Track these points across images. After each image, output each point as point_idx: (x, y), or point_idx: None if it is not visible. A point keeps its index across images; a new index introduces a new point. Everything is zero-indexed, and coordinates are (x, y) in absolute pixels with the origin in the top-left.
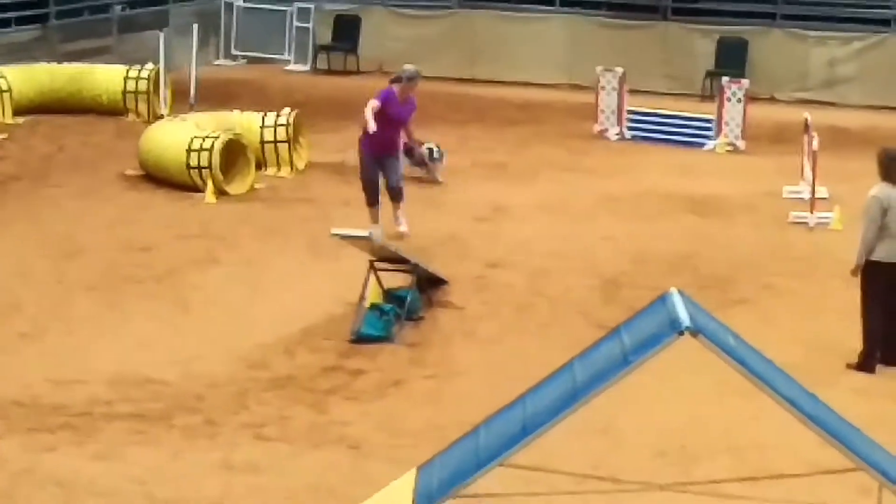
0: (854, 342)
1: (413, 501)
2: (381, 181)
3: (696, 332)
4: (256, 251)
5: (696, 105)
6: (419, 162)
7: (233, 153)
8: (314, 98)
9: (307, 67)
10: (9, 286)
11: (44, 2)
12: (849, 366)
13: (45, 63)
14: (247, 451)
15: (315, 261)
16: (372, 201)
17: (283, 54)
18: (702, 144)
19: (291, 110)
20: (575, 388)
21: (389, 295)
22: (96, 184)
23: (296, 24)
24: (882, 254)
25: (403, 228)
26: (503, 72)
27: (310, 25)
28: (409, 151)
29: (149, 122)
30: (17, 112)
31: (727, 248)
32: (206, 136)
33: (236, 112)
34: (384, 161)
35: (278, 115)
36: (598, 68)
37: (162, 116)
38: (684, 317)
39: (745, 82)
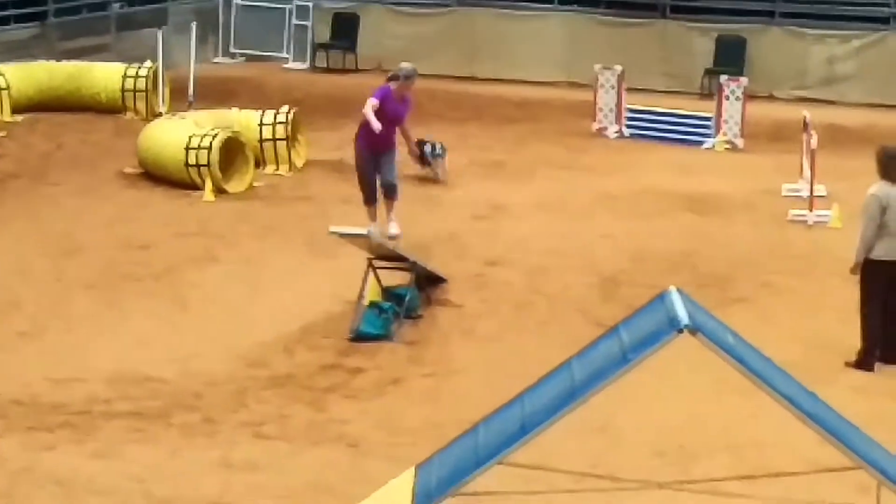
0: (853, 340)
1: (412, 500)
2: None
3: (694, 330)
4: (255, 249)
5: (694, 103)
6: (423, 161)
7: (231, 151)
8: (313, 96)
9: (306, 65)
10: (8, 284)
11: (42, 0)
12: (847, 364)
13: (43, 61)
14: (246, 449)
15: (314, 259)
16: (369, 199)
17: (281, 52)
18: (700, 142)
19: (290, 108)
20: (573, 387)
21: (388, 293)
22: (95, 182)
23: (294, 21)
24: (881, 252)
25: (394, 231)
26: (502, 70)
27: (308, 23)
28: (417, 153)
29: (147, 120)
30: (16, 110)
31: (726, 247)
32: (205, 135)
33: (235, 110)
34: (380, 158)
35: (277, 113)
36: (597, 66)
37: (161, 114)
38: (683, 315)
39: (744, 80)
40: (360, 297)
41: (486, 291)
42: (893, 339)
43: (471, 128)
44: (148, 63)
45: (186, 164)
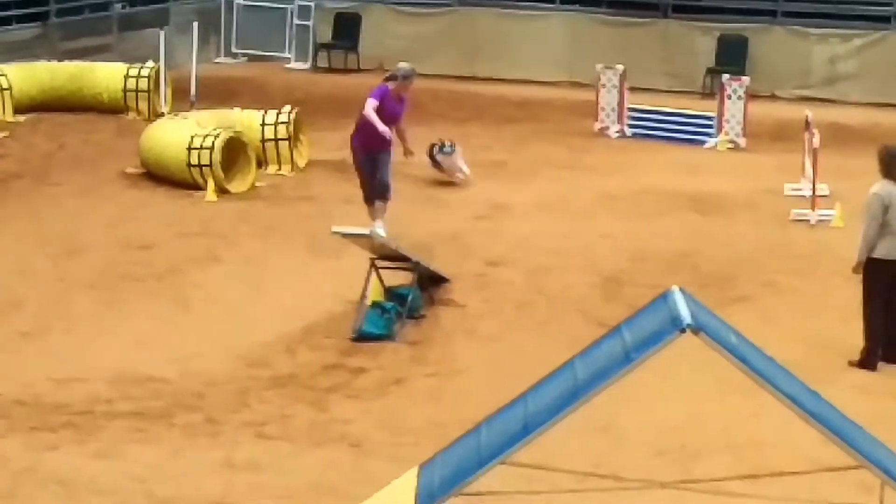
0: (855, 340)
1: (415, 500)
2: None
3: (697, 329)
4: (257, 249)
5: (696, 102)
6: (436, 164)
7: (233, 151)
8: (314, 96)
9: (307, 65)
10: (9, 284)
11: (44, 0)
12: (850, 363)
13: (45, 61)
14: (248, 449)
15: (316, 259)
16: (370, 198)
17: (283, 52)
18: (702, 142)
19: (292, 108)
20: (576, 386)
21: (391, 293)
22: (97, 182)
23: (296, 21)
24: (883, 251)
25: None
26: (503, 69)
27: (310, 23)
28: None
29: (149, 121)
30: (18, 110)
31: (728, 246)
32: (207, 135)
33: (237, 110)
34: (376, 157)
35: (279, 113)
36: (599, 66)
37: (162, 114)
38: (685, 314)
39: (746, 80)
40: (363, 297)
41: (488, 291)
42: None
43: (472, 127)
44: (150, 63)
45: (188, 164)
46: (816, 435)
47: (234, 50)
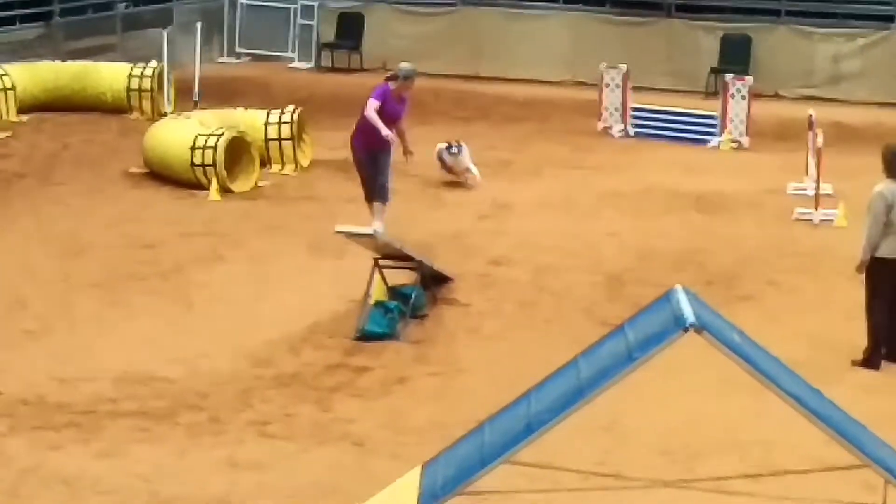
0: (859, 339)
1: (418, 499)
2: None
3: (700, 328)
4: (261, 249)
5: (700, 102)
6: (448, 168)
7: (237, 151)
8: (318, 95)
9: (311, 65)
10: (14, 284)
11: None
12: (854, 362)
13: (49, 61)
14: (251, 448)
15: (319, 258)
16: (370, 198)
17: (286, 52)
18: (706, 141)
19: (295, 108)
20: (580, 385)
21: (394, 292)
22: (100, 182)
23: (299, 21)
24: (887, 250)
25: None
26: (507, 69)
27: (313, 23)
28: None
29: (153, 120)
30: (22, 110)
31: (731, 245)
32: (211, 134)
33: (240, 110)
34: (377, 157)
35: (282, 113)
36: (602, 65)
37: (166, 114)
38: (689, 313)
39: (749, 79)
40: (366, 296)
41: (492, 290)
42: None
43: (476, 127)
44: (153, 63)
45: (192, 164)
46: (820, 434)
47: (237, 49)
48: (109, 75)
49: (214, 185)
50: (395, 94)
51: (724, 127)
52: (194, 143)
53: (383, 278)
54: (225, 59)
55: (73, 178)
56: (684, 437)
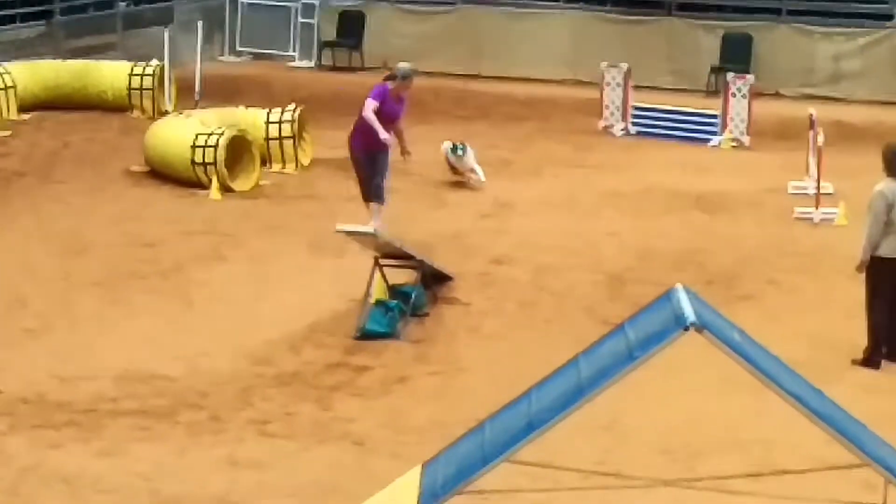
0: (859, 338)
1: (418, 498)
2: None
3: (701, 327)
4: (261, 248)
5: (700, 101)
6: (451, 167)
7: (238, 149)
8: (319, 94)
9: (312, 64)
10: (14, 282)
11: None
12: (854, 362)
13: (50, 59)
14: (252, 447)
15: (320, 257)
16: (368, 198)
17: (287, 50)
18: (707, 140)
19: (296, 106)
20: (580, 384)
21: (394, 291)
22: (101, 180)
23: (300, 20)
24: (887, 250)
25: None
26: (508, 68)
27: (314, 21)
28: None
29: (154, 119)
30: (23, 108)
31: (732, 244)
32: (211, 133)
33: (241, 108)
34: (375, 157)
35: (283, 112)
36: (603, 64)
37: (167, 113)
38: (689, 312)
39: (750, 78)
40: (367, 295)
41: (493, 289)
42: None
43: (477, 126)
44: (154, 61)
45: (193, 163)
46: (820, 433)
47: (238, 48)
48: (110, 74)
49: (215, 183)
50: (393, 93)
51: (724, 126)
52: (195, 142)
53: (384, 277)
54: (226, 57)
55: (74, 177)
56: (685, 436)
